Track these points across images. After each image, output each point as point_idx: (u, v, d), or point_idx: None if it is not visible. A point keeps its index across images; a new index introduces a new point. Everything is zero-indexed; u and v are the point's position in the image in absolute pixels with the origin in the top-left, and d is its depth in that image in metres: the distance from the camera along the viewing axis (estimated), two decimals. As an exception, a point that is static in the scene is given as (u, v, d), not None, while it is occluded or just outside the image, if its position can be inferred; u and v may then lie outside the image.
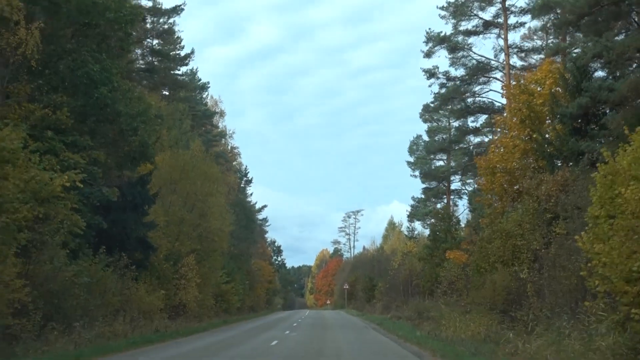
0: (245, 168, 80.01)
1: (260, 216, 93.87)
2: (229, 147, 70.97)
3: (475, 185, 68.66)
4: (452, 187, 71.53)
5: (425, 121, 72.78)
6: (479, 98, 44.29)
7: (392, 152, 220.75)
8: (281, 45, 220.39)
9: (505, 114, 33.98)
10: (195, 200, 37.96)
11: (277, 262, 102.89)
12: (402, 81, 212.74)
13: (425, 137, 72.55)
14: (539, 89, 29.20)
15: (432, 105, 70.80)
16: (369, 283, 67.14)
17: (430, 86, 46.36)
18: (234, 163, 72.45)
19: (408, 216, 72.70)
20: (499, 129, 33.13)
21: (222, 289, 44.63)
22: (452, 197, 69.66)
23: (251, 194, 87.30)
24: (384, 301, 53.13)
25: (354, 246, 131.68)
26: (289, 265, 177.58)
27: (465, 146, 52.73)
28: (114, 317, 22.90)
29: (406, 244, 59.45)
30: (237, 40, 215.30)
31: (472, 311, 24.13)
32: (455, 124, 50.50)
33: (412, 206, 73.32)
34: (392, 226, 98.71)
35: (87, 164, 22.16)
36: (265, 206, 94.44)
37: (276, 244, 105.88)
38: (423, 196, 73.05)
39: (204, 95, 63.68)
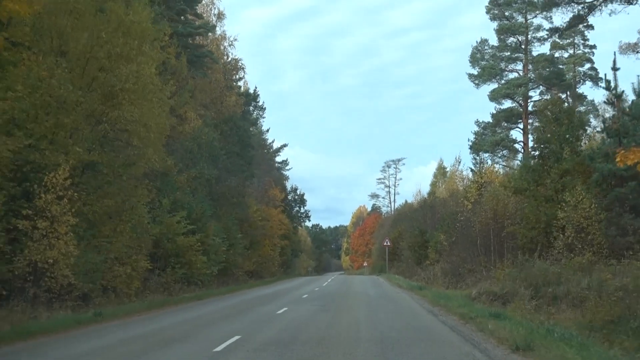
0: (255, 90, 61.18)
1: (279, 158, 76.12)
2: (228, 56, 51.83)
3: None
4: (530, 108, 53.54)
5: (493, 18, 54.88)
6: None
7: (429, 112, 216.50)
8: (317, 6, 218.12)
9: None
10: (99, 70, 19.44)
11: (299, 214, 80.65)
12: (439, 41, 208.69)
13: (494, 41, 54.39)
14: None
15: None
16: (419, 238, 47.70)
17: None
18: (236, 78, 53.52)
19: (470, 147, 53.92)
20: None
21: (178, 244, 26.06)
22: (530, 120, 52.16)
23: (267, 131, 69.52)
24: (448, 263, 34.20)
25: (394, 200, 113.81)
26: (324, 226, 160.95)
27: None
28: None
29: (477, 181, 40.14)
30: (274, 2, 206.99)
31: None
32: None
33: (475, 134, 54.63)
34: (441, 171, 79.77)
35: None
36: (285, 145, 76.33)
37: (299, 191, 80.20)
38: (492, 120, 54.60)
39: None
